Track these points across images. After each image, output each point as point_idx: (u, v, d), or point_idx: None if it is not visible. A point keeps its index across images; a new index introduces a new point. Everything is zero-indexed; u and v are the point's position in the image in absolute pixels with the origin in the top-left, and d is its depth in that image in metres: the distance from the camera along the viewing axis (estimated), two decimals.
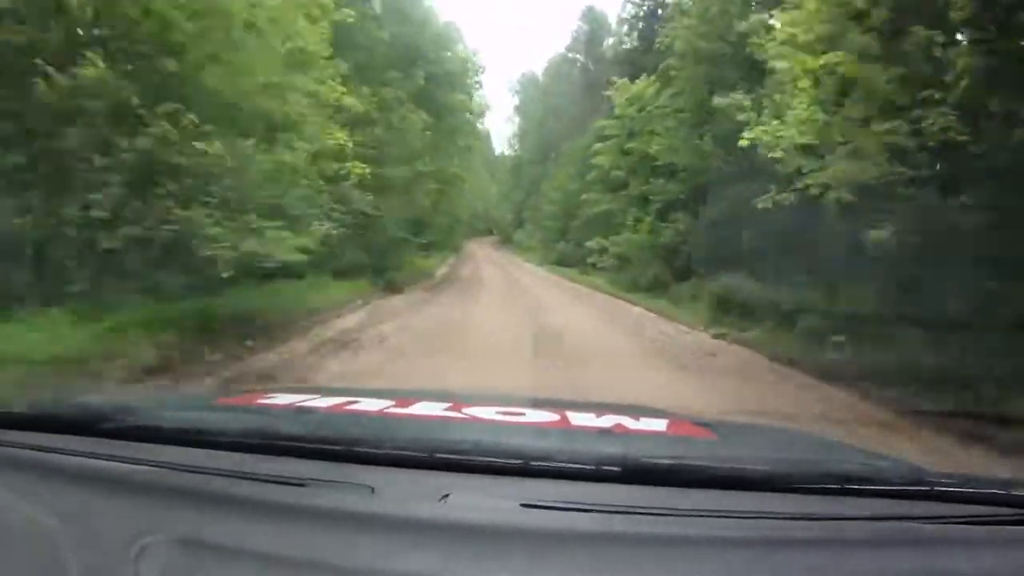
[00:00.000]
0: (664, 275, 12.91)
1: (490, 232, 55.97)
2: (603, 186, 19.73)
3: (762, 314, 7.43)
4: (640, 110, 16.36)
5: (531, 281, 17.25)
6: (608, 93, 18.00)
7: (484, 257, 28.15)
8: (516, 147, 46.27)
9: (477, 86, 21.33)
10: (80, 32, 4.40)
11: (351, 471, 0.87)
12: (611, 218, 19.22)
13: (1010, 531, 0.83)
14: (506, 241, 46.22)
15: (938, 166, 4.78)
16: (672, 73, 13.28)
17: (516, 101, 44.35)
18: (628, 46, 23.82)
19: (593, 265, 18.90)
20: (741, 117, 8.41)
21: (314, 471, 0.86)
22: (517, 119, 44.98)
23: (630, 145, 18.44)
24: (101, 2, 4.34)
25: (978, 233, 4.42)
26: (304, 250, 6.06)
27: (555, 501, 0.81)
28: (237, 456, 0.91)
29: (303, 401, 1.23)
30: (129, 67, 4.41)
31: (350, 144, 8.68)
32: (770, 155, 6.57)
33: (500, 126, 61.69)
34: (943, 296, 4.73)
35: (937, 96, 4.41)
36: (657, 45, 15.37)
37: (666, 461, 0.90)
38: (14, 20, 4.38)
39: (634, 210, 18.32)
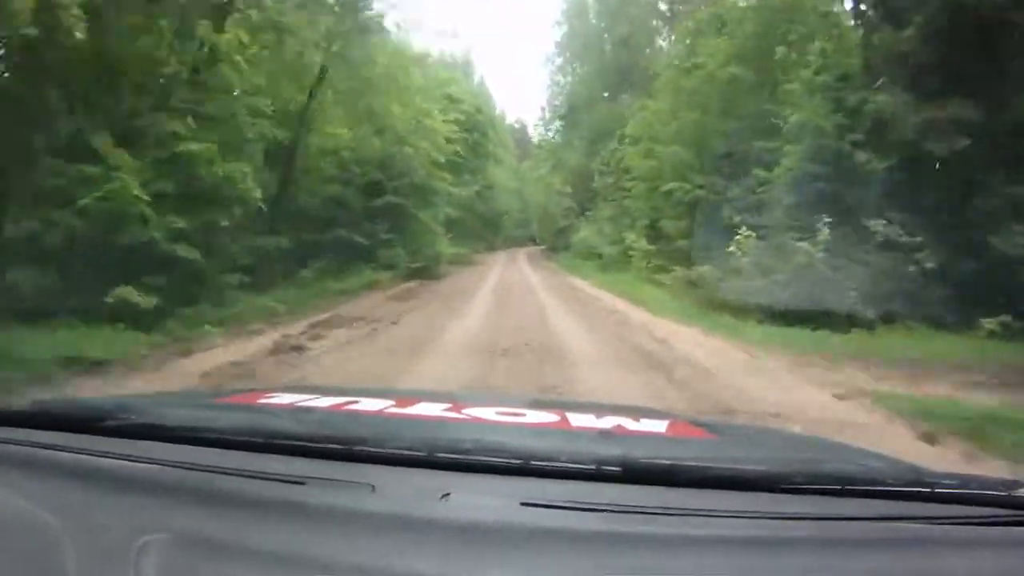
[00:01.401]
0: None
1: (532, 241, 48.53)
2: None
3: None
4: None
5: None
6: None
7: (481, 305, 13.53)
8: (563, 91, 38.31)
9: None
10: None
11: (351, 470, 0.93)
12: None
13: (1009, 532, 0.88)
14: (556, 248, 35.67)
15: None
16: None
17: (558, 36, 38.35)
18: None
19: None
20: None
21: (314, 470, 0.93)
22: (559, 60, 38.26)
23: None
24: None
25: None
26: None
27: (555, 500, 0.87)
28: (237, 454, 0.99)
29: (303, 400, 1.33)
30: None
31: None
32: None
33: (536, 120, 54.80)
34: None
35: None
36: None
37: (666, 461, 0.95)
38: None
39: None
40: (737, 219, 12.32)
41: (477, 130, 32.10)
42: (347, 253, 15.87)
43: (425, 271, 19.72)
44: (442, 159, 21.12)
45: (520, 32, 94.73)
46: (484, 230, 38.48)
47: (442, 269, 21.99)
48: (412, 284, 17.11)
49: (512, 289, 17.27)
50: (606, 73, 32.04)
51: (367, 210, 17.53)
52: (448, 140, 21.74)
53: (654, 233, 17.83)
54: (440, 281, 19.01)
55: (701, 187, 14.99)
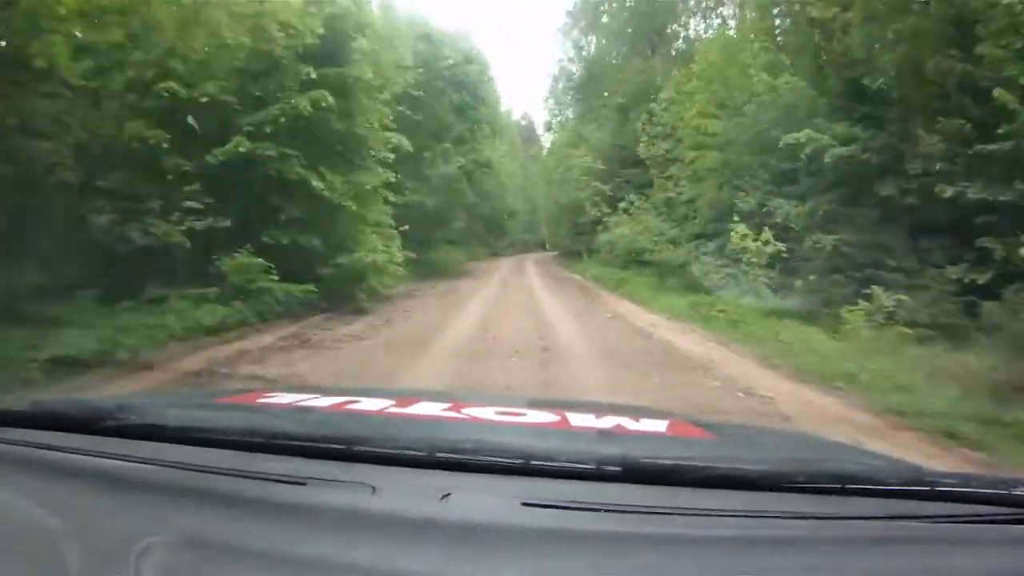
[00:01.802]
0: None
1: (541, 246, 55.16)
2: None
3: None
4: None
5: None
6: None
7: None
8: (580, 62, 42.97)
9: None
10: None
11: (352, 470, 1.34)
12: None
13: (1010, 530, 1.27)
14: (575, 252, 37.19)
15: None
16: None
17: (570, 5, 43.04)
18: None
19: None
20: None
21: (315, 470, 1.33)
22: (574, 31, 42.80)
23: None
24: None
25: None
26: None
27: (555, 500, 1.25)
28: (238, 455, 1.40)
29: (304, 400, 1.80)
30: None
31: None
32: None
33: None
34: None
35: None
36: None
37: (666, 461, 1.37)
38: None
39: None
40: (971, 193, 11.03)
41: (466, 88, 32.62)
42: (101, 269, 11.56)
43: (343, 297, 15.83)
44: (376, 81, 17.33)
45: (525, 26, 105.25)
46: (484, 231, 40.56)
47: (395, 289, 19.26)
48: (253, 342, 11.73)
49: (508, 346, 11.72)
50: (632, 36, 35.49)
51: (199, 172, 13.28)
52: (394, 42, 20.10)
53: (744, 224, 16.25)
54: (352, 324, 14.16)
55: (848, 141, 13.04)
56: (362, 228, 17.43)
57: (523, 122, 70.20)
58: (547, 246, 50.80)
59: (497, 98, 42.95)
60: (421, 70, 24.30)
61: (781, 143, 14.78)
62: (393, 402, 1.82)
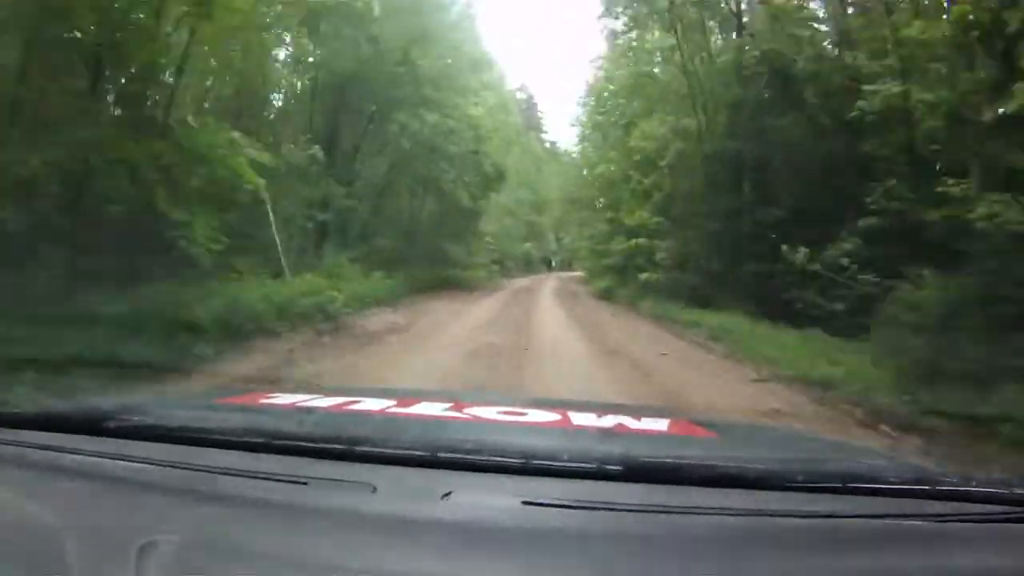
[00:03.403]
0: None
1: (548, 265, 51.31)
2: None
3: None
4: None
5: None
6: None
7: None
8: None
9: None
10: None
11: (352, 470, 1.35)
12: None
13: (1011, 529, 1.28)
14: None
15: None
16: None
17: None
18: None
19: None
20: None
21: (316, 470, 1.35)
22: None
23: None
24: None
25: None
26: None
27: (556, 499, 1.26)
28: (239, 455, 1.42)
29: (304, 400, 1.81)
30: None
31: None
32: None
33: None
34: None
35: None
36: None
37: (667, 460, 1.40)
38: None
39: None
40: None
41: None
42: None
43: None
44: None
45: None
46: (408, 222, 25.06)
47: None
48: None
49: None
50: None
51: None
52: None
53: None
54: None
55: None
56: None
57: (521, 94, 61.73)
58: (552, 263, 44.22)
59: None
60: None
61: None
62: (395, 402, 1.86)
